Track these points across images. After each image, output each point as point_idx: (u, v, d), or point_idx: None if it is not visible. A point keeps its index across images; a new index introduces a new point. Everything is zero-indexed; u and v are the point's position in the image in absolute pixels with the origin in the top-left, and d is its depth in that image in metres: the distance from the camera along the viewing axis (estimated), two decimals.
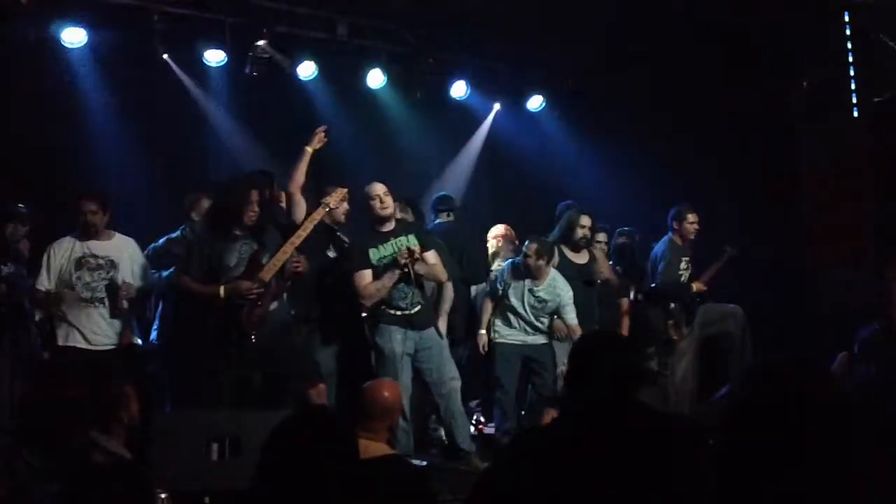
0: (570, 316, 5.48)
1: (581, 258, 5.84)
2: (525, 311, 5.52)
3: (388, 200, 5.05)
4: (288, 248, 4.58)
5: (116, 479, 1.91)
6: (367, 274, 4.96)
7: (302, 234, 4.65)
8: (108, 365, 4.69)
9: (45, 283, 4.80)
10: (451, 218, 6.09)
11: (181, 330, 5.10)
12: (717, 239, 6.49)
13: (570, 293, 5.52)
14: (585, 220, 5.80)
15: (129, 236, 5.05)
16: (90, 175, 5.95)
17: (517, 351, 5.56)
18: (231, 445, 3.93)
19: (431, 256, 5.07)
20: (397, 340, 4.95)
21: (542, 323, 5.57)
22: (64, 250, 4.85)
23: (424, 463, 4.92)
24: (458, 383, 5.08)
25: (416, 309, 5.02)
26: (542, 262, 5.42)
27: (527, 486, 2.04)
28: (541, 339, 5.58)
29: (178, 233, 5.41)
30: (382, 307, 5.01)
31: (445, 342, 5.21)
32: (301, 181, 4.82)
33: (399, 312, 4.99)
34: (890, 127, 6.45)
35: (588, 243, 5.86)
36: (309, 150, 4.84)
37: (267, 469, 1.86)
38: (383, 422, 3.06)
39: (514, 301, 5.52)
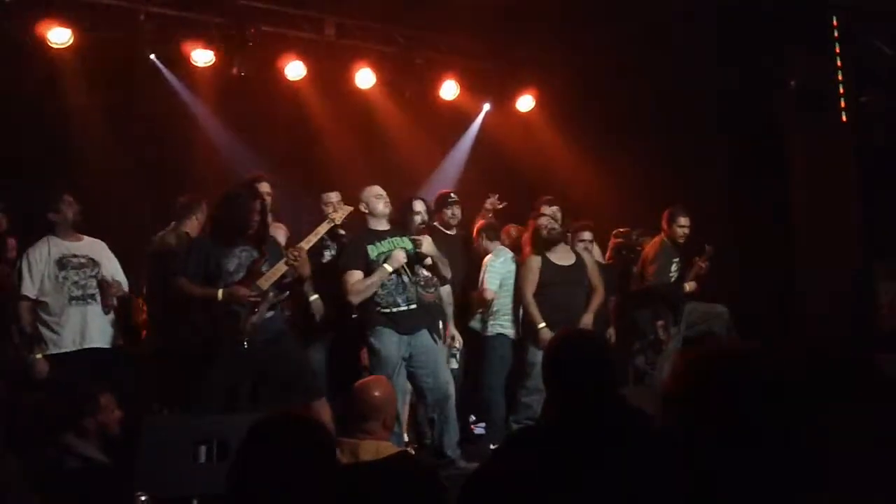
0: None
1: (566, 259, 5.66)
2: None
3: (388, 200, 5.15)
4: (288, 260, 4.59)
5: (91, 482, 1.90)
6: (357, 273, 4.95)
7: (304, 246, 4.68)
8: (86, 369, 4.64)
9: (30, 289, 4.72)
10: None
11: (173, 331, 5.07)
12: (706, 239, 6.52)
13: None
14: (547, 210, 5.69)
15: (115, 238, 5.04)
16: (75, 176, 5.91)
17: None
18: (219, 448, 3.92)
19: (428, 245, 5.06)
20: (393, 342, 4.90)
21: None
22: (41, 253, 4.77)
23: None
24: (452, 388, 5.07)
25: (413, 307, 4.98)
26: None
27: (511, 490, 2.04)
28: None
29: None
30: (377, 308, 4.94)
31: (441, 346, 5.20)
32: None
33: (394, 310, 4.94)
34: (876, 127, 6.50)
35: (559, 235, 5.66)
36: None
37: (239, 471, 1.85)
38: (376, 420, 2.98)
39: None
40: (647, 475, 1.99)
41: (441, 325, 5.38)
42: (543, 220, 5.64)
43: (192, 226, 5.36)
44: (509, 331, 5.76)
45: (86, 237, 4.94)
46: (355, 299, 4.94)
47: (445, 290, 5.42)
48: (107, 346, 4.83)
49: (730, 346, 1.55)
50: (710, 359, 1.45)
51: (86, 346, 4.74)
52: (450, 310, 5.51)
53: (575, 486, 2.00)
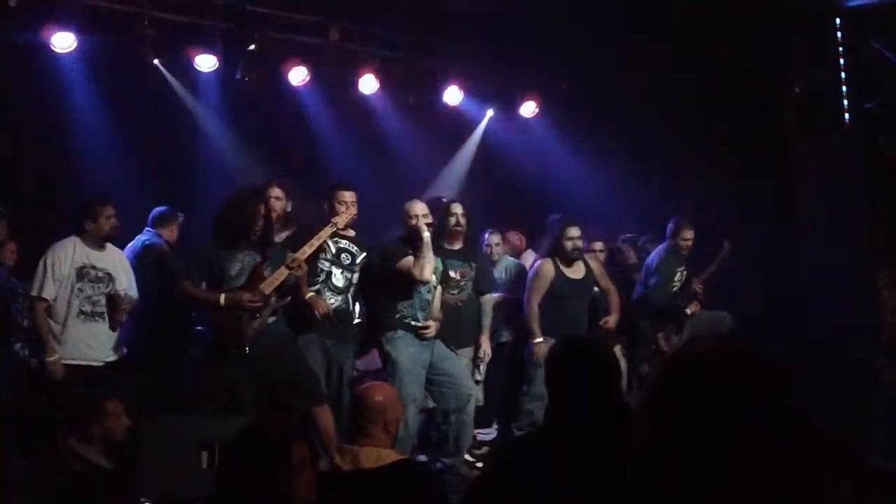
0: None
1: (577, 272, 5.65)
2: None
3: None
4: (291, 264, 4.57)
5: (94, 488, 1.92)
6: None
7: (307, 250, 4.64)
8: (89, 376, 4.60)
9: (50, 291, 4.58)
10: None
11: (173, 336, 5.05)
12: (709, 246, 6.50)
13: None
14: (574, 232, 5.60)
15: (117, 242, 5.01)
16: (79, 181, 5.91)
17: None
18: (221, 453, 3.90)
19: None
20: (409, 353, 4.88)
21: None
22: (67, 256, 4.64)
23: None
24: (474, 393, 5.07)
25: (430, 324, 4.99)
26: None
27: (513, 497, 2.03)
28: None
29: (146, 237, 5.39)
30: (398, 317, 4.94)
31: (459, 356, 5.23)
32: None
33: (415, 323, 4.96)
34: (881, 133, 6.47)
35: (580, 254, 5.67)
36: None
37: (221, 478, 1.88)
38: (376, 425, 2.91)
39: None
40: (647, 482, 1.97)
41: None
42: (569, 244, 5.59)
43: (170, 234, 5.37)
44: (503, 335, 5.88)
45: (109, 246, 4.84)
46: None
47: (486, 299, 5.47)
48: (111, 360, 4.78)
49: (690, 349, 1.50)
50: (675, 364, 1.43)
51: (87, 363, 4.67)
52: (487, 320, 5.50)
53: (576, 493, 1.98)
